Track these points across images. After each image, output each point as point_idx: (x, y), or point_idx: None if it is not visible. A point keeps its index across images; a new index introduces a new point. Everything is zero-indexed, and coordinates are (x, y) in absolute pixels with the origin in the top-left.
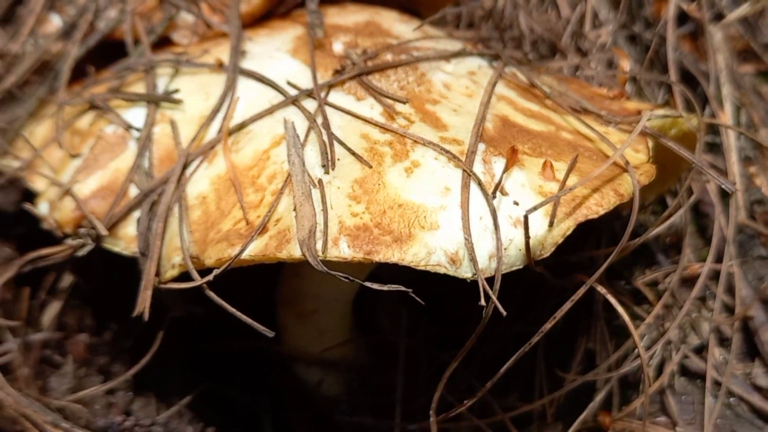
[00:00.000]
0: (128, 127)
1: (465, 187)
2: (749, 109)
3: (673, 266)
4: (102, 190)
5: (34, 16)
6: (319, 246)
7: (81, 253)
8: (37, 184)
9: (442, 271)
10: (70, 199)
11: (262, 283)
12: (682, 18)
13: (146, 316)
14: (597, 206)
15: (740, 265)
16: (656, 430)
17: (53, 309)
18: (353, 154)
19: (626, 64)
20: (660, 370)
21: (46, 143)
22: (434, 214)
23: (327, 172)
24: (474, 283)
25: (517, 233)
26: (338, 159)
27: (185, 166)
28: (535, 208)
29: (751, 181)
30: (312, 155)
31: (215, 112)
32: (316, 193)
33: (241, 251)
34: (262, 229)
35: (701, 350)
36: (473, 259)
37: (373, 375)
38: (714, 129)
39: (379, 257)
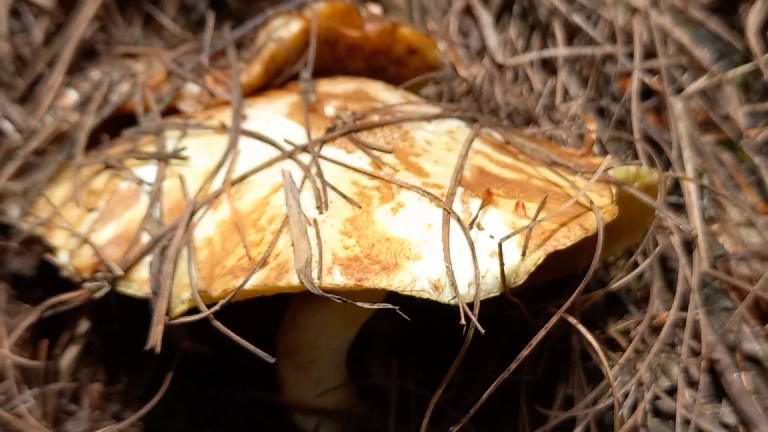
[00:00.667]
0: (140, 182)
1: (445, 223)
2: (710, 174)
3: (644, 315)
4: (117, 238)
5: (52, 92)
6: (315, 274)
7: (98, 294)
8: (56, 239)
9: (425, 296)
10: (87, 247)
11: (263, 338)
12: (647, 93)
13: (158, 349)
14: (564, 238)
15: (706, 314)
16: None
17: (70, 356)
18: (344, 197)
19: (593, 127)
20: (634, 409)
21: (64, 202)
22: (418, 246)
23: (321, 213)
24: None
25: (493, 263)
26: (331, 201)
27: (192, 214)
28: (508, 237)
29: (714, 238)
30: (307, 199)
31: (219, 166)
32: (311, 231)
33: (245, 282)
34: (263, 262)
35: (672, 392)
36: (454, 285)
37: (367, 421)
38: (678, 190)
39: (368, 283)
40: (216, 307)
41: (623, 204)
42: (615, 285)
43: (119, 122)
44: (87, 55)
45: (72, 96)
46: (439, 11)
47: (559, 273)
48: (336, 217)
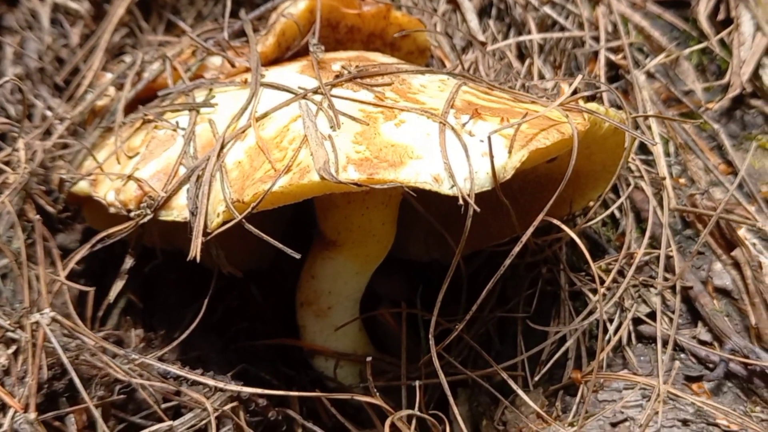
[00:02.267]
0: (175, 128)
1: (441, 132)
2: (674, 140)
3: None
4: (157, 173)
5: (90, 76)
6: (332, 171)
7: (143, 221)
8: (101, 189)
9: (428, 187)
10: (132, 183)
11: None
12: (614, 78)
13: (198, 259)
14: (544, 139)
15: (678, 249)
16: (620, 376)
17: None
18: (353, 118)
19: (566, 86)
20: (619, 337)
21: (107, 159)
22: (419, 149)
23: (334, 130)
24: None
25: (484, 162)
26: (342, 123)
27: (222, 147)
28: (496, 131)
29: (679, 187)
30: (322, 123)
31: (243, 109)
32: (327, 143)
33: (272, 185)
34: (287, 169)
35: (652, 317)
36: (452, 177)
37: (381, 363)
38: (645, 151)
39: (379, 176)
40: (248, 210)
41: (596, 148)
42: (592, 223)
43: (153, 99)
44: (117, 56)
45: (108, 77)
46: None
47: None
48: (347, 132)
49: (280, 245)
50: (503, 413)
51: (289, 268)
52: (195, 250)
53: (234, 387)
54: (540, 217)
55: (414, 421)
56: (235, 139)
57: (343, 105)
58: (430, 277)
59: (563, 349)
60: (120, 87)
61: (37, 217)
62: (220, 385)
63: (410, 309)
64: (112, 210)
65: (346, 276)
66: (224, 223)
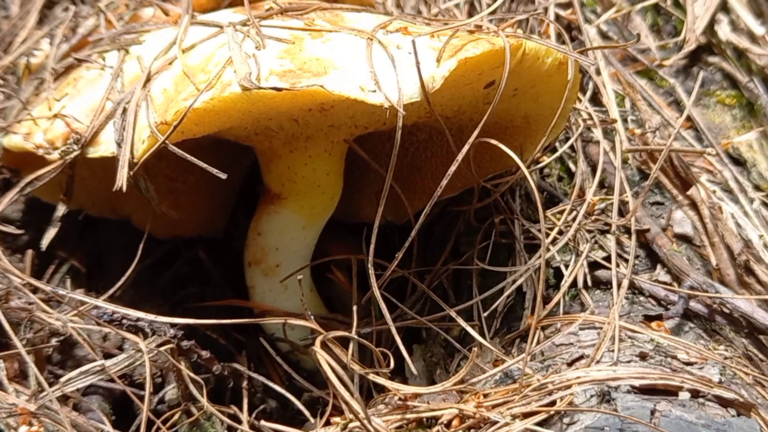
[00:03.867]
0: (103, 66)
1: (369, 46)
2: (631, 96)
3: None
4: (84, 111)
5: (26, 30)
6: (253, 79)
7: (70, 156)
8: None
9: (353, 95)
10: (59, 121)
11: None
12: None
13: (124, 189)
14: (474, 49)
15: (633, 195)
16: (575, 317)
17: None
18: (279, 39)
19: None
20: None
21: (40, 114)
22: (345, 61)
23: (258, 49)
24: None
25: (412, 72)
26: (267, 45)
27: (149, 78)
28: (421, 34)
29: (634, 138)
30: (248, 46)
31: (172, 43)
32: (251, 60)
33: (194, 101)
34: (209, 86)
35: (609, 262)
36: (378, 85)
37: (331, 323)
38: (597, 103)
39: (301, 85)
40: (170, 131)
41: (541, 87)
42: (543, 164)
43: None
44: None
45: (42, 32)
46: None
47: (493, 169)
48: (272, 50)
49: (202, 164)
50: (458, 364)
51: (240, 234)
52: (121, 180)
53: (170, 329)
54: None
55: (351, 346)
56: (162, 71)
57: (271, 32)
58: (384, 239)
59: (510, 291)
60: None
61: None
62: (161, 319)
63: (359, 257)
64: (40, 152)
65: (293, 230)
66: (150, 150)
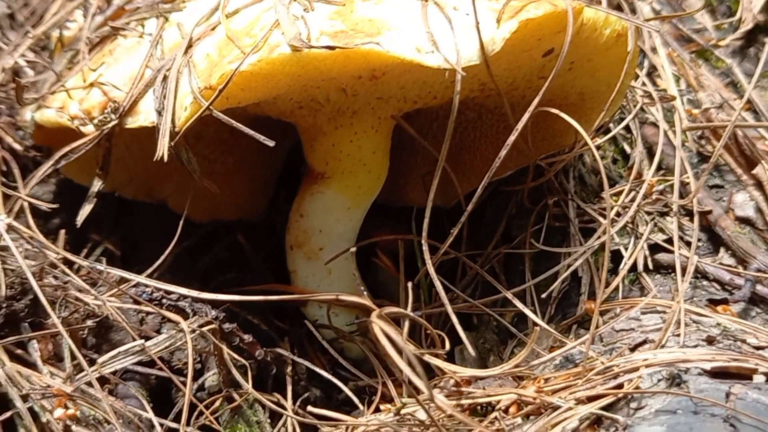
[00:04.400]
0: (142, 34)
1: (424, 7)
2: (686, 77)
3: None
4: (122, 79)
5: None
6: (304, 38)
7: (108, 127)
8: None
9: (409, 57)
10: (95, 90)
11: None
12: None
13: (165, 159)
14: (535, 10)
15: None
16: (637, 301)
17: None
18: (328, 2)
19: None
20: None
21: (74, 85)
22: (400, 22)
23: (306, 12)
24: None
25: (471, 33)
26: (316, 8)
27: (190, 44)
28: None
29: (692, 118)
30: (295, 8)
31: (213, 10)
32: (300, 22)
33: (241, 64)
34: (256, 49)
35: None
36: (436, 45)
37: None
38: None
39: (353, 45)
40: (215, 96)
41: (598, 61)
42: (603, 141)
43: None
44: None
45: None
46: None
47: (546, 149)
48: (322, 11)
49: (251, 131)
50: (512, 351)
51: (281, 218)
52: (162, 150)
53: (211, 311)
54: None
55: (406, 325)
56: (204, 37)
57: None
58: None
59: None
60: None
61: None
62: (205, 296)
63: (408, 237)
64: (75, 123)
65: (338, 212)
66: (193, 117)
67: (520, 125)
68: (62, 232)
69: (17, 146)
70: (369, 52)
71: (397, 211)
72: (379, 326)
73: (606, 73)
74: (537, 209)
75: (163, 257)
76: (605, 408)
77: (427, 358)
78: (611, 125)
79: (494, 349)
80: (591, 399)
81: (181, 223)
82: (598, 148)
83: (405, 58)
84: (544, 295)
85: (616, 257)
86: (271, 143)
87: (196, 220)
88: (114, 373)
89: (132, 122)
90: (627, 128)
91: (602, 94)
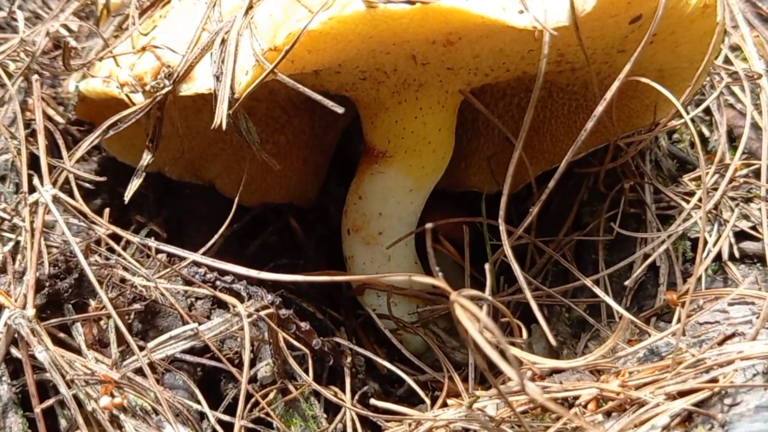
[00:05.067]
0: None
1: None
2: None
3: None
4: (177, 44)
5: None
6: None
7: (162, 93)
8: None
9: (494, 16)
10: (148, 54)
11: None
12: None
13: (224, 126)
14: None
15: None
16: (717, 293)
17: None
18: None
19: None
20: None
21: (123, 51)
22: None
23: None
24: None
25: None
26: None
27: (251, 7)
28: None
29: None
30: None
31: None
32: None
33: (310, 21)
34: (326, 6)
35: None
36: (525, 6)
37: (442, 300)
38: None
39: (435, 3)
40: (280, 57)
41: (682, 34)
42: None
43: None
44: None
45: None
46: None
47: (622, 130)
48: None
49: (318, 96)
50: (586, 345)
51: (335, 202)
52: (220, 117)
53: (267, 295)
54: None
55: (485, 308)
56: None
57: None
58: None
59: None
60: None
61: (36, 78)
62: (265, 276)
63: (477, 220)
64: (125, 91)
65: (399, 193)
66: (255, 82)
67: (609, 94)
68: (106, 210)
69: (60, 119)
70: (450, 9)
71: (456, 197)
72: (461, 305)
73: (688, 48)
74: (611, 195)
75: (215, 238)
76: (697, 404)
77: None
78: (688, 107)
79: (567, 342)
80: (682, 394)
81: (235, 204)
82: (674, 131)
83: (489, 17)
84: (628, 282)
85: (696, 246)
86: (340, 109)
87: (245, 203)
88: (164, 359)
89: (187, 89)
90: (704, 110)
91: (683, 71)
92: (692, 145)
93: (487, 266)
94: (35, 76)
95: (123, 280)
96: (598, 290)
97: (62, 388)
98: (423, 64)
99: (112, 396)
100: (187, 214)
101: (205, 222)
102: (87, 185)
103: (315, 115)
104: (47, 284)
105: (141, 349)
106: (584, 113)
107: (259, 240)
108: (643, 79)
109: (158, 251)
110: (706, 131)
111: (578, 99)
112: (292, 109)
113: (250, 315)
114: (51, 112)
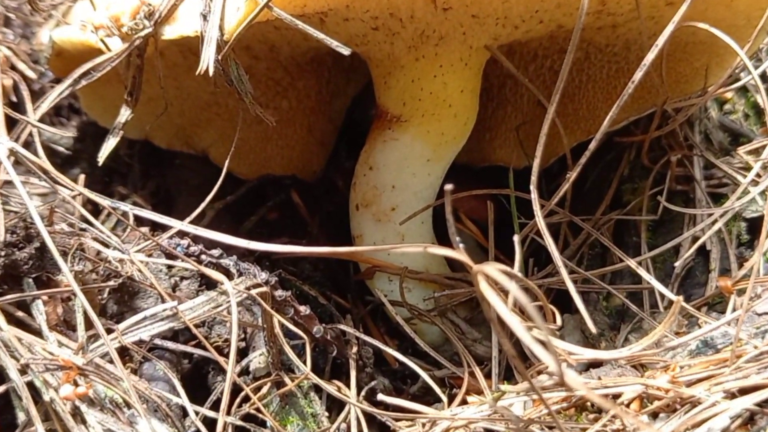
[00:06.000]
0: None
1: None
2: None
3: None
4: None
5: None
6: None
7: (139, 38)
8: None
9: None
10: None
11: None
12: None
13: (210, 72)
14: None
15: None
16: None
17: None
18: None
19: None
20: None
21: None
22: None
23: None
24: None
25: None
26: None
27: None
28: None
29: None
30: None
31: None
32: None
33: None
34: None
35: None
36: None
37: (461, 285)
38: None
39: None
40: None
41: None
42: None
43: None
44: None
45: None
46: None
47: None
48: None
49: (321, 35)
50: (627, 338)
51: (343, 175)
52: (206, 62)
53: (261, 273)
54: None
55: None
56: None
57: None
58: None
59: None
60: None
61: None
62: (256, 246)
63: (504, 192)
64: (100, 35)
65: (415, 164)
66: (248, 19)
67: (661, 39)
68: (81, 177)
69: (31, 73)
70: None
71: (478, 173)
72: (488, 277)
73: (746, 3)
74: (656, 169)
75: (203, 206)
76: (762, 403)
77: (537, 333)
78: (741, 74)
79: (606, 334)
80: (743, 392)
81: (225, 168)
82: (725, 101)
83: None
84: (677, 265)
85: (753, 227)
86: (346, 50)
87: (242, 176)
88: (139, 344)
89: (171, 31)
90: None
91: (739, 29)
92: (746, 116)
93: (515, 238)
94: None
95: (99, 253)
96: (643, 272)
97: (13, 373)
98: (444, 9)
99: (76, 384)
100: (177, 186)
101: (197, 196)
102: (64, 150)
103: (322, 78)
104: (2, 254)
105: (110, 331)
106: (625, 77)
107: (256, 216)
108: (697, 24)
109: (136, 218)
110: (761, 101)
111: (618, 61)
112: (296, 71)
113: (239, 294)
114: (21, 65)
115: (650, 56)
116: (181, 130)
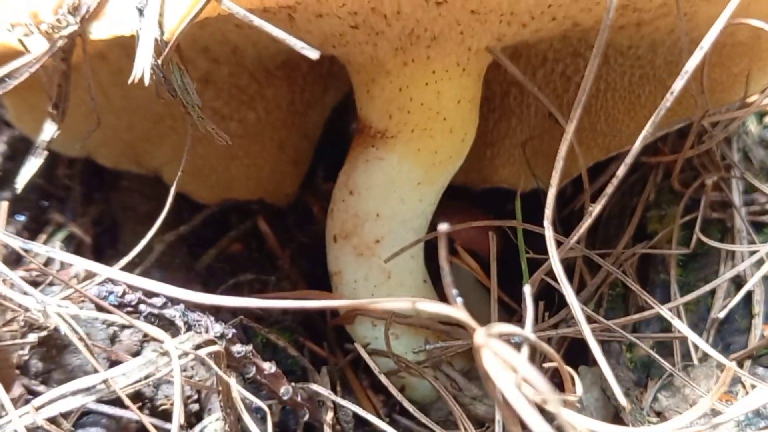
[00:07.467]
0: None
1: None
2: None
3: None
4: None
5: None
6: None
7: (61, 37)
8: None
9: None
10: None
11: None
12: None
13: (146, 80)
14: None
15: None
16: None
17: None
18: None
19: None
20: None
21: None
22: None
23: None
24: None
25: None
26: None
27: None
28: None
29: None
30: None
31: None
32: None
33: None
34: None
35: None
36: None
37: (457, 331)
38: None
39: None
40: None
41: None
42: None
43: None
44: None
45: None
46: None
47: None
48: None
49: (285, 35)
50: (656, 398)
51: (320, 199)
52: (141, 66)
53: (215, 325)
54: None
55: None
56: None
57: None
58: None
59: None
60: None
61: None
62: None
63: (509, 224)
64: (16, 34)
65: (403, 188)
66: (192, 12)
67: (708, 40)
68: (3, 204)
69: None
70: None
71: (478, 196)
72: (487, 357)
73: None
74: (688, 194)
75: (145, 240)
76: None
77: (553, 407)
78: None
79: (631, 393)
80: None
81: (171, 195)
82: (766, 113)
83: None
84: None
85: None
86: (315, 54)
87: (202, 200)
88: (62, 415)
89: (102, 29)
90: None
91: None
92: None
93: (526, 290)
94: None
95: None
96: (679, 323)
97: None
98: (437, 3)
99: None
100: (124, 213)
101: (146, 224)
102: None
103: (295, 85)
104: None
105: (26, 402)
106: (650, 85)
107: (216, 248)
108: (746, 21)
109: (48, 261)
110: None
111: (643, 66)
112: (264, 77)
113: (185, 354)
114: None
115: (693, 61)
116: (129, 147)
